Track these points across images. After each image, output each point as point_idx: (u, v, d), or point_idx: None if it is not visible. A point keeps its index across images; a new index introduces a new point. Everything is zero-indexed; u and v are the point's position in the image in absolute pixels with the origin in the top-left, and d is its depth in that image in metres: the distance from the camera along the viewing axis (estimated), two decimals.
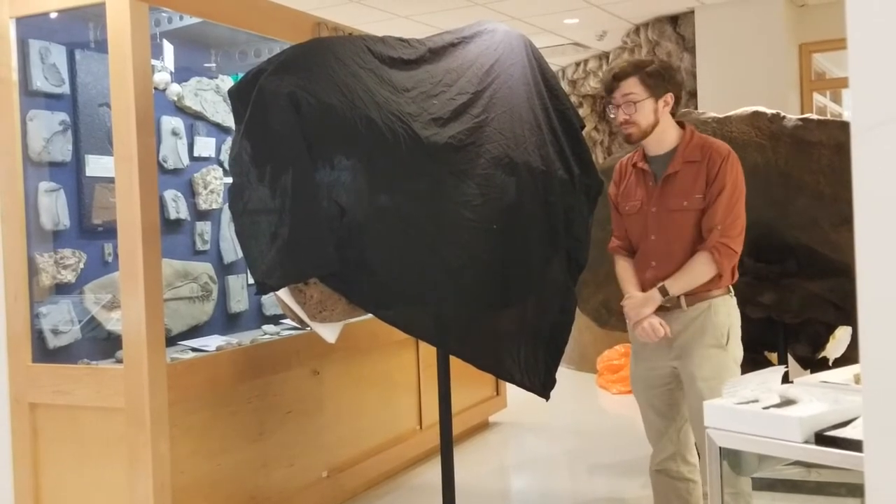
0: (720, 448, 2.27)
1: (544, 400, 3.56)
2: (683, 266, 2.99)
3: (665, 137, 3.08)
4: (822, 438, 2.07)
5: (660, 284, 3.00)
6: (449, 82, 3.29)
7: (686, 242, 3.02)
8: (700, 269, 2.97)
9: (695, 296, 3.01)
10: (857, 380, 2.43)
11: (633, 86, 3.02)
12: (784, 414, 2.17)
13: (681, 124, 3.13)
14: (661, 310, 3.04)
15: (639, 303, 3.04)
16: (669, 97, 3.04)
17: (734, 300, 3.11)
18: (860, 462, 1.96)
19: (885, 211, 0.98)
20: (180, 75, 4.04)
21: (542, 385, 3.50)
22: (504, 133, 3.35)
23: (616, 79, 3.05)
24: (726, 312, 3.04)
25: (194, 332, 4.00)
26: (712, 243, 2.94)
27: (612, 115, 3.08)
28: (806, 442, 2.09)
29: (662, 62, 3.16)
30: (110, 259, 3.67)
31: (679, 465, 3.15)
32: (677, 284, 2.99)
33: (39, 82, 3.48)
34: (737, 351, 3.06)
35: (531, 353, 3.45)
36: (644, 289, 3.09)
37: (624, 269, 3.19)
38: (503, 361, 3.41)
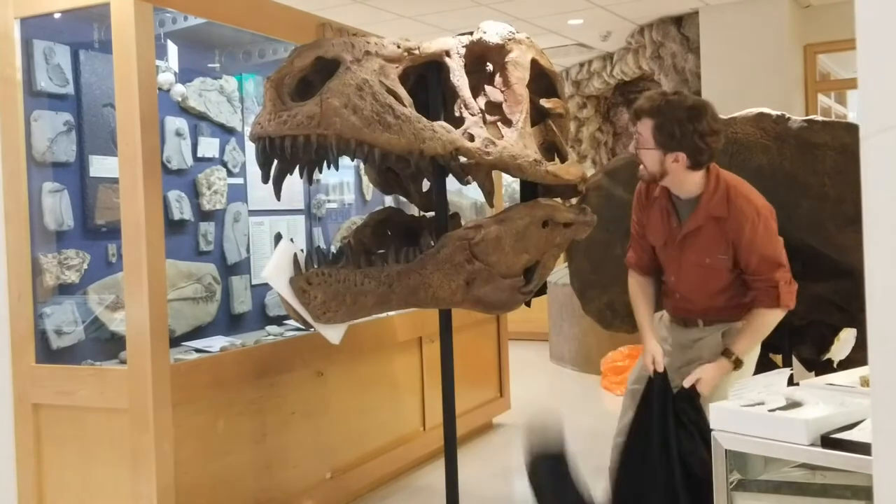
0: (726, 450, 2.26)
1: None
2: (749, 323, 2.93)
3: (683, 184, 2.92)
4: (828, 441, 2.07)
5: (725, 350, 2.92)
6: None
7: (707, 292, 3.01)
8: (769, 328, 2.94)
9: (713, 320, 3.02)
10: (863, 382, 2.42)
11: (643, 127, 2.87)
12: (790, 416, 2.16)
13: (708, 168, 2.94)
14: (683, 325, 3.08)
15: (713, 373, 2.90)
16: (680, 156, 2.81)
17: None
18: (866, 464, 1.96)
19: (893, 213, 0.97)
20: (184, 76, 4.04)
21: None
22: None
23: (635, 114, 2.91)
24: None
25: (198, 332, 3.99)
26: (784, 300, 2.87)
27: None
28: (812, 444, 2.09)
29: (691, 109, 2.80)
30: (114, 259, 3.67)
31: None
32: (748, 347, 2.94)
33: (44, 82, 3.49)
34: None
35: None
36: (669, 310, 3.13)
37: (639, 295, 3.15)
38: None
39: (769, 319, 2.92)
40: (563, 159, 3.53)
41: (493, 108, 3.33)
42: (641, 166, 2.95)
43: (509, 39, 3.37)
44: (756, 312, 2.92)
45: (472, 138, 3.12)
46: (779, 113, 3.77)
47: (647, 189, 3.09)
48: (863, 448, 1.96)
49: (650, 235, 3.10)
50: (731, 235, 2.87)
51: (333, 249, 3.71)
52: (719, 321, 3.02)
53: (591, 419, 6.08)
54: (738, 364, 2.89)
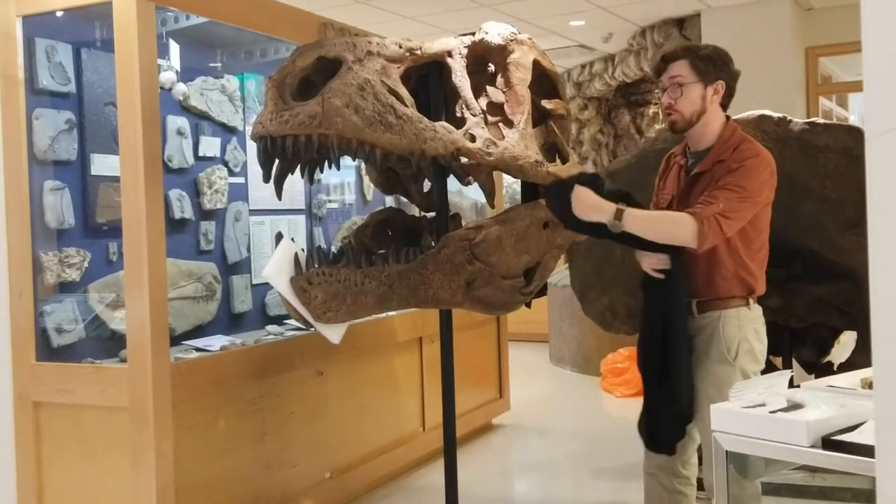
0: (727, 452, 2.26)
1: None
2: (661, 212, 2.83)
3: (707, 131, 2.91)
4: (829, 443, 2.07)
5: (622, 207, 2.73)
6: None
7: (703, 253, 2.81)
8: (671, 226, 2.74)
9: (706, 304, 2.87)
10: (864, 384, 2.42)
11: (681, 68, 2.87)
12: (791, 418, 2.16)
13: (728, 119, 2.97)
14: None
15: (591, 200, 2.75)
16: (720, 86, 2.89)
17: (754, 312, 2.92)
18: (867, 467, 1.96)
19: None
20: (186, 75, 4.04)
21: None
22: None
23: (665, 60, 2.92)
24: (737, 325, 2.86)
25: (198, 331, 3.99)
26: (704, 213, 2.68)
27: (661, 100, 2.96)
28: (813, 446, 2.08)
29: (717, 48, 2.96)
30: (115, 258, 3.67)
31: (669, 476, 3.04)
32: (638, 221, 2.72)
33: (46, 81, 3.49)
34: (749, 365, 2.86)
35: None
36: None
37: None
38: None
39: (676, 220, 2.74)
40: (565, 160, 3.53)
41: (495, 108, 3.33)
42: (675, 115, 2.90)
43: (511, 40, 3.37)
44: (685, 217, 2.73)
45: (473, 139, 3.12)
46: (780, 115, 3.77)
47: (669, 157, 3.12)
48: (864, 450, 1.95)
49: (661, 195, 3.04)
50: (726, 168, 2.79)
51: (334, 249, 3.71)
52: (711, 301, 2.87)
53: (591, 421, 6.08)
54: (618, 215, 2.70)
